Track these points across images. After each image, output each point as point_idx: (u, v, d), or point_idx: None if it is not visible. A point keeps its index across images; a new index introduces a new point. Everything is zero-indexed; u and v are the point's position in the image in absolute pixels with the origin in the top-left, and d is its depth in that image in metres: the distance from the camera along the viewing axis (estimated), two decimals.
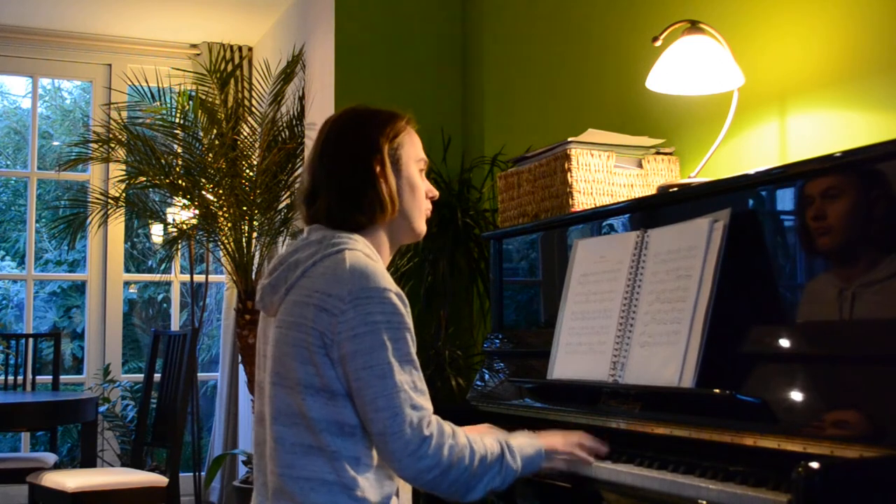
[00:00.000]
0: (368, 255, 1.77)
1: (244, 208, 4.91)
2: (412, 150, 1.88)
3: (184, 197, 5.08)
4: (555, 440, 1.85)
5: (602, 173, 2.52)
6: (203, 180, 4.96)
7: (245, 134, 4.97)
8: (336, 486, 1.68)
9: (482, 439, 1.73)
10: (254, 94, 5.01)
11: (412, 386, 1.68)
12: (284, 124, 4.96)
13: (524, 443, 1.79)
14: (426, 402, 1.70)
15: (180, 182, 4.98)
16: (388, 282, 1.71)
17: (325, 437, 1.68)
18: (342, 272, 1.69)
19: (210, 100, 4.89)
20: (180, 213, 5.39)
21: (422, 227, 1.90)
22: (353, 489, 1.68)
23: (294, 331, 1.71)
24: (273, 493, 1.72)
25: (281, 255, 1.83)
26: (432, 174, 3.67)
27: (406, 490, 1.86)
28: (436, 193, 1.92)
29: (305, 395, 1.69)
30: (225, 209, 4.93)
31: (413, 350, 1.72)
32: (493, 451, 1.72)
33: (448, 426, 1.70)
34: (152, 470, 4.73)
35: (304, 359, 1.69)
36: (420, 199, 1.88)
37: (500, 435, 1.80)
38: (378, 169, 1.80)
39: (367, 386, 1.65)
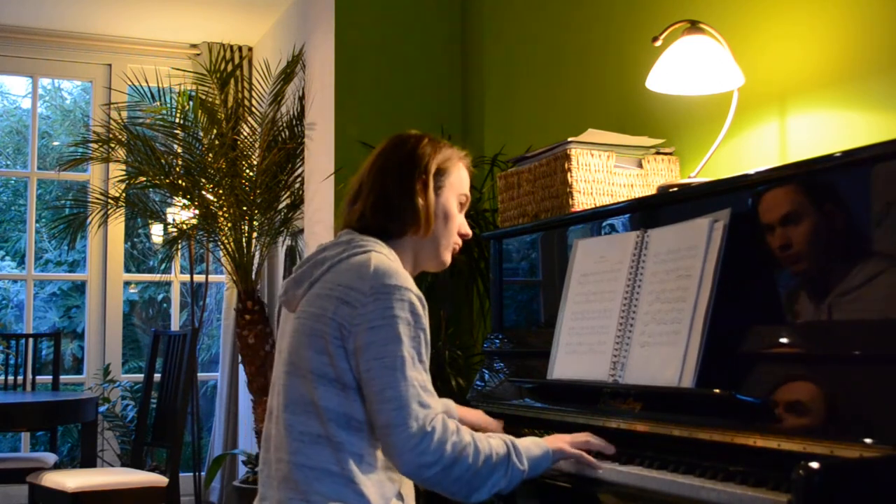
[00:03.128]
0: (392, 259, 1.81)
1: (244, 208, 4.91)
2: (457, 183, 1.96)
3: (184, 197, 5.08)
4: (561, 442, 1.85)
5: (602, 173, 2.52)
6: (203, 180, 4.96)
7: (245, 134, 4.97)
8: (340, 479, 1.69)
9: (487, 439, 1.73)
10: (254, 94, 5.01)
11: (422, 385, 1.70)
12: (284, 124, 4.96)
13: (530, 444, 1.79)
14: (434, 402, 1.71)
15: (180, 182, 4.99)
16: (410, 283, 1.76)
17: (333, 427, 1.70)
18: (366, 269, 1.74)
19: (210, 100, 4.90)
20: (180, 213, 5.40)
21: (447, 258, 1.96)
22: (357, 483, 1.69)
23: (312, 321, 1.74)
24: (279, 483, 1.73)
25: (309, 254, 1.88)
26: None
27: (410, 493, 1.85)
28: (468, 232, 1.99)
29: (318, 384, 1.71)
30: (225, 209, 4.94)
31: (426, 352, 1.74)
32: (499, 452, 1.72)
33: (453, 424, 1.71)
34: (152, 470, 4.74)
35: (319, 348, 1.72)
36: (451, 230, 1.94)
37: (507, 436, 1.79)
38: (419, 186, 1.87)
39: (377, 376, 1.67)
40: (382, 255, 1.79)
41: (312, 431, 1.71)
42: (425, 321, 1.75)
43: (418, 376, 1.70)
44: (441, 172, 1.92)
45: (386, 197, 1.87)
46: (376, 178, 1.89)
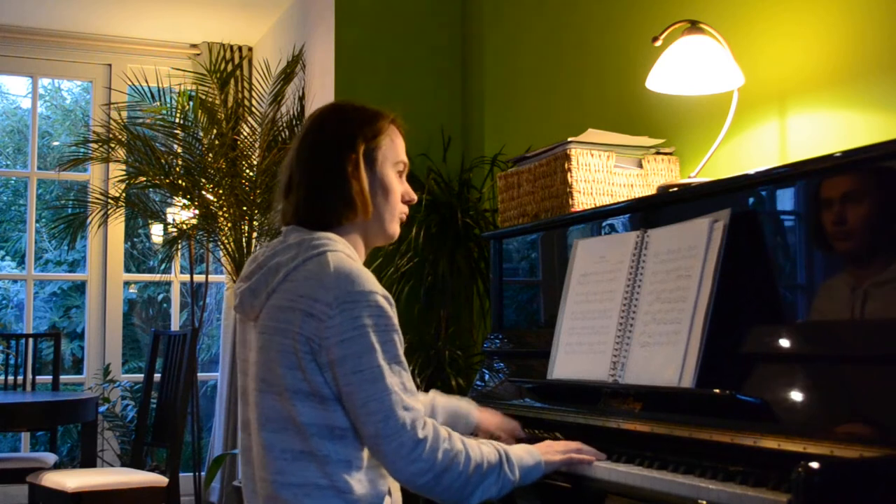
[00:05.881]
0: (350, 255, 1.75)
1: (244, 208, 4.91)
2: (391, 152, 1.84)
3: (184, 197, 5.08)
4: (552, 452, 1.84)
5: (602, 173, 2.52)
6: (203, 180, 4.96)
7: (245, 134, 4.97)
8: (329, 491, 1.67)
9: (479, 446, 1.72)
10: (254, 94, 5.01)
11: (402, 387, 1.67)
12: (284, 124, 4.96)
13: (523, 453, 1.78)
14: (416, 403, 1.69)
15: (180, 182, 4.99)
16: (373, 284, 1.69)
17: (316, 441, 1.67)
18: (327, 276, 1.67)
19: (210, 100, 4.90)
20: (180, 213, 5.40)
21: (394, 230, 1.87)
22: (346, 492, 1.67)
23: (279, 336, 1.69)
24: (265, 501, 1.71)
25: (257, 258, 1.80)
26: (432, 174, 3.67)
27: (396, 489, 1.84)
28: (413, 197, 1.89)
29: (295, 400, 1.67)
30: (225, 209, 4.94)
31: (401, 351, 1.70)
32: (491, 460, 1.71)
33: (444, 430, 1.69)
34: (152, 470, 4.73)
35: (291, 364, 1.67)
36: (394, 202, 1.84)
37: (500, 444, 1.78)
38: (350, 169, 1.77)
39: (358, 390, 1.64)
40: (339, 253, 1.71)
41: (294, 448, 1.68)
42: (395, 320, 1.70)
43: (397, 380, 1.66)
44: (371, 146, 1.80)
45: (317, 189, 1.77)
46: (305, 170, 1.79)
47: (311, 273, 1.69)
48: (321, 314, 1.65)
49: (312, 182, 1.78)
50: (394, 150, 1.85)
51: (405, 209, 1.89)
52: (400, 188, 1.86)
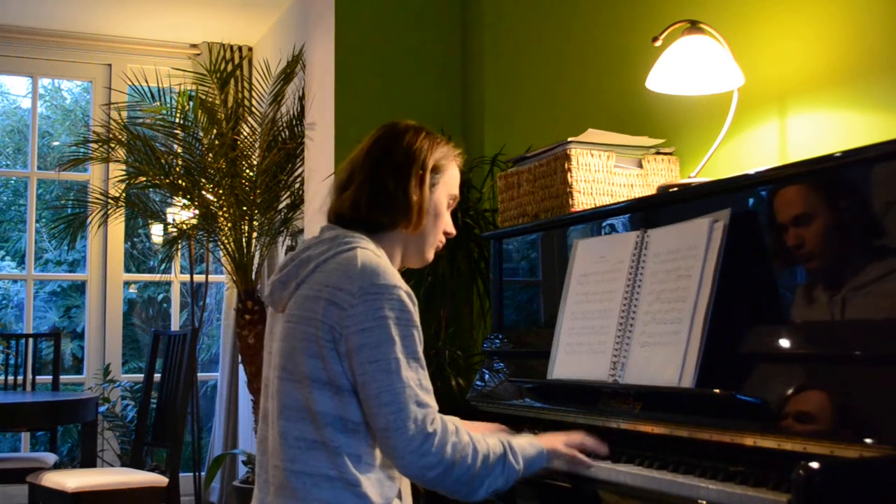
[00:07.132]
0: (379, 255, 1.79)
1: (244, 208, 4.92)
2: (450, 182, 1.93)
3: (184, 197, 5.09)
4: (556, 441, 1.85)
5: (602, 173, 2.52)
6: (203, 180, 4.97)
7: (245, 134, 4.97)
8: (339, 483, 1.68)
9: (485, 439, 1.74)
10: (254, 94, 5.01)
11: (418, 383, 1.69)
12: (284, 124, 4.96)
13: (525, 444, 1.79)
14: (431, 400, 1.70)
15: (180, 182, 4.99)
16: (398, 279, 1.74)
17: (329, 431, 1.69)
18: (353, 268, 1.71)
19: (210, 100, 4.90)
20: (180, 213, 5.40)
21: (430, 256, 1.94)
22: (356, 486, 1.68)
23: (303, 324, 1.73)
24: (276, 489, 1.73)
25: (292, 252, 1.85)
26: None
27: (407, 492, 1.85)
28: (453, 231, 1.97)
29: (313, 388, 1.70)
30: (225, 209, 4.94)
31: (420, 348, 1.73)
32: (496, 451, 1.72)
33: (451, 424, 1.71)
34: (152, 470, 4.73)
35: (312, 352, 1.71)
36: (438, 228, 1.92)
37: (503, 435, 1.80)
38: (415, 181, 1.85)
39: (372, 380, 1.66)
40: (368, 252, 1.76)
41: (308, 437, 1.70)
42: (416, 317, 1.74)
43: (414, 376, 1.69)
44: (437, 170, 1.90)
45: (383, 188, 1.84)
46: (372, 169, 1.86)
47: (339, 265, 1.74)
48: (344, 303, 1.69)
49: (376, 181, 1.85)
50: (453, 181, 1.95)
51: (443, 240, 1.96)
52: (446, 218, 1.94)
